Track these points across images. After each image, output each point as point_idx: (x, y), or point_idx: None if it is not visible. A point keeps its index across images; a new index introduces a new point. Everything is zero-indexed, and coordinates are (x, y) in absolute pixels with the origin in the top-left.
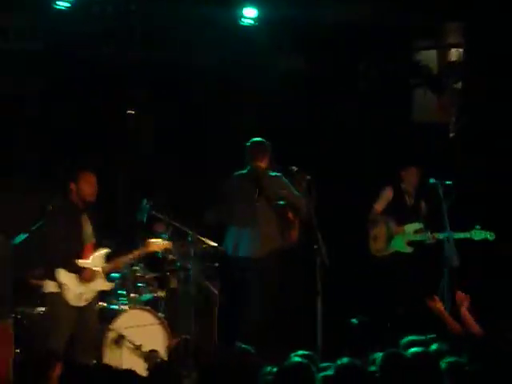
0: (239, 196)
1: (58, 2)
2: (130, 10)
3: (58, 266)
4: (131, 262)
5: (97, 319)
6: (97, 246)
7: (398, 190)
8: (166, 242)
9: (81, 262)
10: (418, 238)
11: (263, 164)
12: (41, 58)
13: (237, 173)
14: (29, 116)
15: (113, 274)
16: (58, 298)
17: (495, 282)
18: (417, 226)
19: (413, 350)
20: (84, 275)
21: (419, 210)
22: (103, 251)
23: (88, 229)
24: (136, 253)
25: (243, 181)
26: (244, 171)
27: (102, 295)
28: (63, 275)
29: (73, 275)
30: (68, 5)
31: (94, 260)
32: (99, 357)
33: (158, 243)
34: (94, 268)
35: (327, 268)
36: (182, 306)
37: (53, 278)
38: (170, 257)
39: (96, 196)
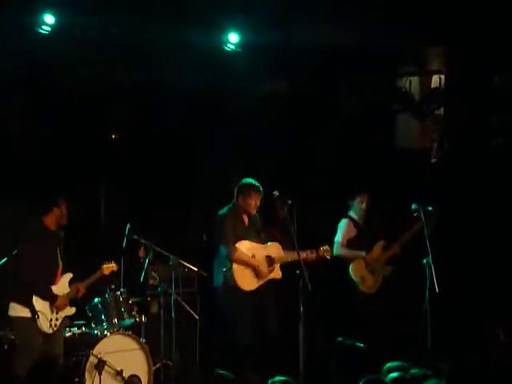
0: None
1: (42, 27)
2: (112, 33)
3: (37, 293)
4: (109, 287)
5: (62, 345)
6: (65, 271)
7: (353, 220)
8: (112, 265)
9: (54, 289)
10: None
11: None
12: (23, 81)
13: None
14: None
15: (96, 299)
16: (29, 324)
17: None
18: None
19: (392, 375)
20: (57, 303)
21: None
22: (67, 276)
23: (60, 253)
24: (90, 278)
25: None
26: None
27: (86, 320)
28: (38, 302)
29: (46, 302)
30: (49, 29)
31: (61, 286)
32: (80, 382)
33: (108, 267)
34: (60, 294)
35: (309, 292)
36: (163, 331)
37: (28, 303)
38: (152, 282)
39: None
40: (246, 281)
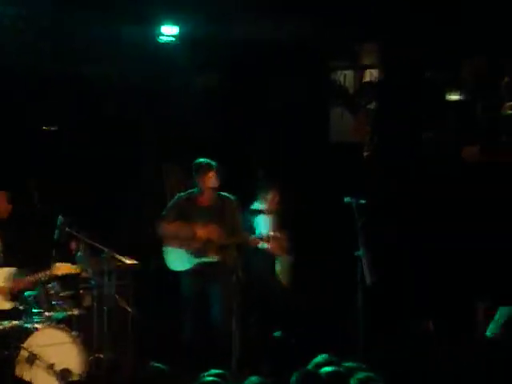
0: None
1: None
2: (42, 26)
3: None
4: (40, 281)
5: None
6: (6, 265)
7: None
8: (73, 267)
9: None
10: None
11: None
12: None
13: None
14: None
15: (27, 292)
16: None
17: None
18: None
19: (326, 368)
20: None
21: None
22: (6, 270)
23: None
24: (39, 275)
25: None
26: None
27: (15, 313)
28: None
29: None
30: None
31: None
32: (11, 376)
33: (63, 268)
34: None
35: (244, 284)
36: (96, 324)
37: None
38: (84, 274)
39: (8, 213)
40: (175, 260)
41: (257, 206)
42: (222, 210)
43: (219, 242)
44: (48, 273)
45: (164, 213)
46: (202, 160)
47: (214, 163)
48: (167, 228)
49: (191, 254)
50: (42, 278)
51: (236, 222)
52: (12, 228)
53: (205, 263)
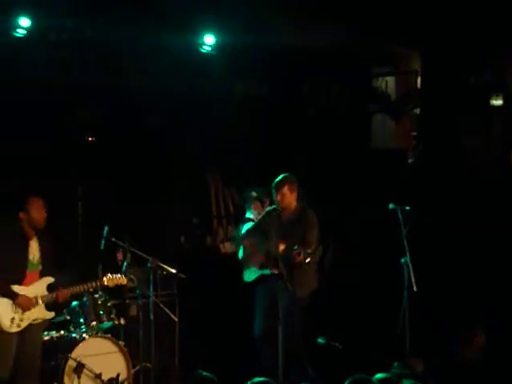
0: None
1: (17, 30)
2: (86, 36)
3: None
4: (88, 292)
5: (37, 346)
6: (46, 274)
7: None
8: (121, 278)
9: (16, 288)
10: None
11: None
12: None
13: None
14: None
15: (74, 303)
16: None
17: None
18: None
19: (378, 375)
20: (19, 301)
21: None
22: (46, 280)
23: (35, 256)
24: (87, 286)
25: None
26: None
27: (61, 324)
28: None
29: (7, 300)
30: (24, 32)
31: (35, 288)
32: None
33: (112, 279)
34: (30, 296)
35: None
36: (142, 334)
37: None
38: (130, 284)
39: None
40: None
41: (248, 215)
42: (299, 224)
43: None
44: (97, 284)
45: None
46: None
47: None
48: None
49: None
50: (91, 289)
51: (305, 235)
52: (50, 238)
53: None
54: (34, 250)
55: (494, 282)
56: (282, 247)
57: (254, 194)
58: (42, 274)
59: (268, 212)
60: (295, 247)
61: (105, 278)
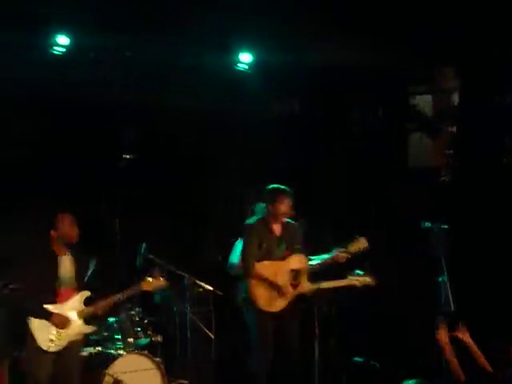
0: None
1: (55, 48)
2: (125, 55)
3: (28, 313)
4: (123, 301)
5: (78, 364)
6: (83, 289)
7: None
8: (160, 280)
9: (50, 307)
10: None
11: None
12: (36, 103)
13: None
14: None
15: (111, 319)
16: (32, 342)
17: None
18: None
19: None
20: (54, 320)
21: None
22: (82, 294)
23: (68, 272)
24: (123, 294)
25: None
26: None
27: (98, 340)
28: (33, 321)
29: (42, 321)
30: (63, 50)
31: (71, 304)
32: None
33: (150, 283)
34: (66, 313)
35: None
36: (179, 351)
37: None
38: (167, 301)
39: (78, 236)
40: (267, 300)
41: None
42: (291, 237)
43: (308, 270)
44: (136, 289)
45: (247, 249)
46: (277, 186)
47: (290, 190)
48: (261, 273)
49: (282, 295)
50: (130, 295)
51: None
52: (85, 252)
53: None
54: (68, 267)
55: None
56: (305, 261)
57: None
58: (79, 290)
59: (258, 223)
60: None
61: (143, 283)
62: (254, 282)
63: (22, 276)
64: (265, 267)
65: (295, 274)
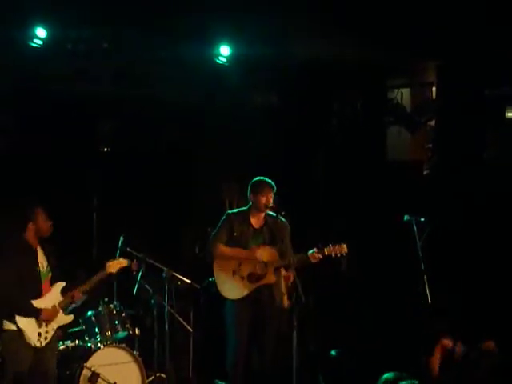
0: None
1: (34, 40)
2: (103, 47)
3: (16, 312)
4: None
5: (55, 359)
6: (56, 280)
7: None
8: (121, 261)
9: (36, 303)
10: None
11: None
12: (13, 95)
13: None
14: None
15: (89, 312)
16: (16, 338)
17: None
18: None
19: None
20: (43, 316)
21: None
22: (58, 285)
23: (43, 265)
24: (92, 280)
25: None
26: None
27: (76, 333)
28: (21, 319)
29: (30, 318)
30: (41, 43)
31: (50, 297)
32: None
33: (113, 264)
34: (49, 306)
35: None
36: (157, 344)
37: (11, 319)
38: (145, 294)
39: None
40: (229, 289)
41: None
42: (273, 232)
43: (277, 264)
44: (102, 273)
45: (215, 233)
46: (262, 179)
47: (273, 184)
48: (223, 251)
49: (247, 278)
50: (98, 279)
51: (288, 245)
52: (51, 243)
53: (263, 287)
54: (41, 259)
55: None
56: (275, 254)
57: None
58: (53, 281)
59: (237, 214)
60: (313, 250)
61: (107, 266)
62: (216, 265)
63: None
64: (232, 249)
65: (264, 265)
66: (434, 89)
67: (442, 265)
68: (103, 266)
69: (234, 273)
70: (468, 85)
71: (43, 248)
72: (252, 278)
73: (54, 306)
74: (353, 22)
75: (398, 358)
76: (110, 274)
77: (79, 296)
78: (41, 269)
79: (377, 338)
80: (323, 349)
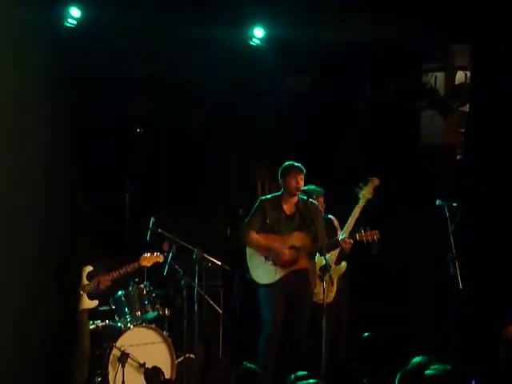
0: None
1: (68, 20)
2: (137, 28)
3: None
4: (128, 274)
5: (85, 335)
6: (84, 264)
7: None
8: (157, 256)
9: None
10: None
11: None
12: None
13: None
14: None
15: (120, 292)
16: None
17: None
18: None
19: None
20: None
21: None
22: (85, 270)
23: None
24: (123, 269)
25: None
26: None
27: (106, 313)
28: None
29: None
30: (75, 23)
31: None
32: (104, 374)
33: (148, 258)
34: None
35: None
36: (186, 325)
37: None
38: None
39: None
40: (261, 272)
41: None
42: (305, 217)
43: (309, 249)
44: (135, 265)
45: (248, 220)
46: (292, 163)
47: (303, 167)
48: (256, 239)
49: (279, 264)
50: (129, 270)
51: (320, 228)
52: (86, 227)
53: (296, 271)
54: None
55: None
56: (307, 240)
57: (318, 189)
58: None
59: (271, 200)
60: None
61: (141, 258)
62: (249, 251)
63: None
64: (264, 237)
65: (296, 251)
66: (468, 73)
67: (473, 250)
68: (137, 258)
69: (266, 258)
70: (502, 68)
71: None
72: (284, 263)
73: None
74: (386, 4)
75: (429, 343)
76: (143, 267)
77: (106, 283)
78: None
79: (408, 322)
80: (355, 332)
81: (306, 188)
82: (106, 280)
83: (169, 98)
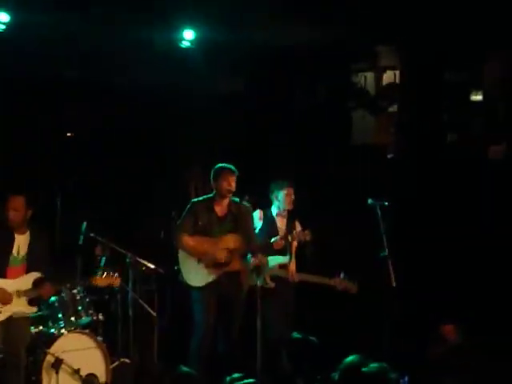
0: None
1: None
2: (67, 32)
3: None
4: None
5: (22, 340)
6: (32, 270)
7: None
8: (115, 278)
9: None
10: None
11: None
12: None
13: None
14: None
15: (52, 298)
16: None
17: None
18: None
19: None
20: None
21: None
22: (32, 275)
23: (21, 251)
24: (77, 284)
25: None
26: None
27: (40, 319)
28: None
29: None
30: (4, 27)
31: (18, 282)
32: (38, 381)
33: (104, 279)
34: (10, 289)
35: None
36: (121, 330)
37: None
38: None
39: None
40: (195, 276)
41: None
42: (237, 218)
43: (242, 251)
44: (87, 282)
45: (180, 222)
46: (224, 165)
47: (234, 169)
48: (188, 242)
49: (212, 266)
50: (79, 287)
51: (251, 230)
52: (45, 235)
53: (229, 273)
54: (22, 245)
55: (473, 276)
56: (239, 241)
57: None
58: (28, 270)
59: (202, 202)
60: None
61: (97, 277)
62: (181, 254)
63: None
64: (196, 240)
65: (229, 252)
66: (396, 72)
67: (405, 248)
68: (89, 278)
69: (198, 261)
70: (429, 68)
71: (32, 237)
72: (217, 265)
73: (13, 291)
74: (318, 5)
75: (362, 342)
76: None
77: (49, 291)
78: (15, 254)
79: (341, 321)
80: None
81: (272, 183)
82: (49, 290)
83: (100, 102)
